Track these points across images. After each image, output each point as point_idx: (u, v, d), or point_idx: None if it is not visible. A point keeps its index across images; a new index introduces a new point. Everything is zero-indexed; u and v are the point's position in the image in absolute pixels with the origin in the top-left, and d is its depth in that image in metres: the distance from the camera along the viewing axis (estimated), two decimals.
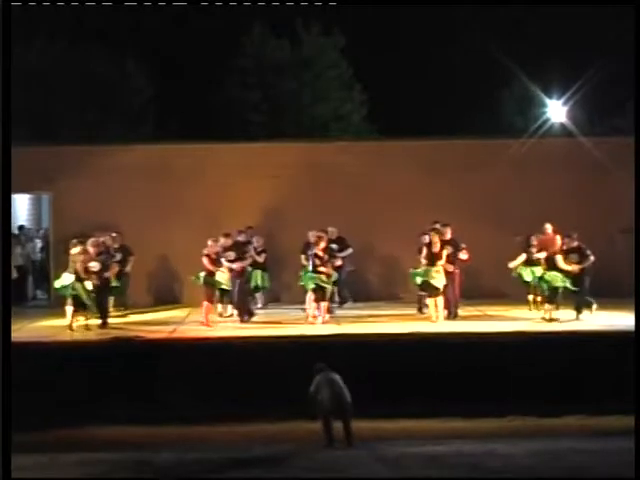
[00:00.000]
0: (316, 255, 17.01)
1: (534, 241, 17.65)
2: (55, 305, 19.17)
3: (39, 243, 22.64)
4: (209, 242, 17.19)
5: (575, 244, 16.87)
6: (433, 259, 16.97)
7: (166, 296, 20.36)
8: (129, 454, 12.31)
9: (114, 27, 33.06)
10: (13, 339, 14.22)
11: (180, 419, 13.79)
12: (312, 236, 17.76)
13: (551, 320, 16.77)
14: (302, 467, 11.62)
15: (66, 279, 16.69)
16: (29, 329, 17.02)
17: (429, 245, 17.12)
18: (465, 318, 17.46)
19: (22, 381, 13.74)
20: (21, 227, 22.33)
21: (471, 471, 11.31)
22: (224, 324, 17.21)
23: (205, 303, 17.05)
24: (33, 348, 15.04)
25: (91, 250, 16.83)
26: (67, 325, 16.60)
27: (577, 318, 16.79)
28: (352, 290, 19.52)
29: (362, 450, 12.34)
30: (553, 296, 16.92)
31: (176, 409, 14.11)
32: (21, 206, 23.10)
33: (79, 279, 16.54)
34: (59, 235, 20.08)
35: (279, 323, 17.27)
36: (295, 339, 15.33)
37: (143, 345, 15.24)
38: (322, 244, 17.14)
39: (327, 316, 17.20)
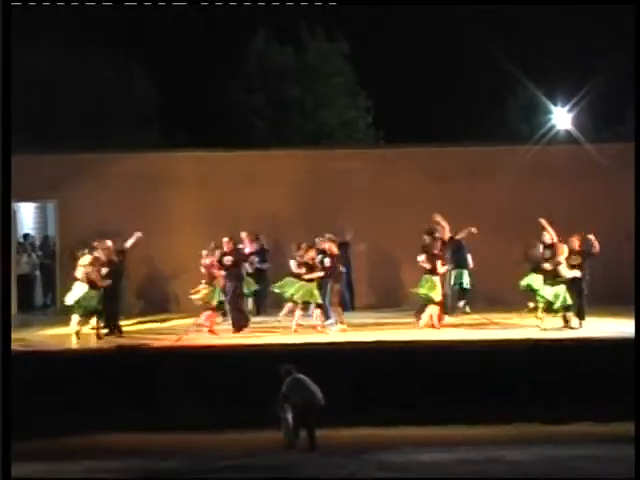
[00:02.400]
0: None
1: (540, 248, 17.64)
2: (62, 313, 19.22)
3: (45, 251, 22.65)
4: (217, 252, 17.14)
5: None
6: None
7: (171, 304, 20.38)
8: (134, 462, 12.33)
9: (117, 32, 33.07)
10: (19, 347, 14.26)
11: (185, 427, 13.80)
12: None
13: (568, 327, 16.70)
14: (305, 474, 11.62)
15: (79, 291, 16.67)
16: (35, 337, 17.04)
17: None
18: (470, 325, 17.45)
19: (28, 389, 13.79)
20: (26, 235, 22.35)
21: (475, 478, 11.30)
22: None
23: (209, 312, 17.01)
24: (39, 356, 15.07)
25: (103, 258, 16.83)
26: (75, 332, 16.53)
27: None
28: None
29: (365, 457, 12.33)
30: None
31: (181, 417, 14.13)
32: (26, 215, 23.13)
33: (93, 287, 16.54)
34: (65, 243, 20.13)
35: (286, 330, 17.28)
36: (300, 347, 15.32)
37: (148, 353, 15.26)
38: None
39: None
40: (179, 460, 12.45)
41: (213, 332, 16.68)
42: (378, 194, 20.66)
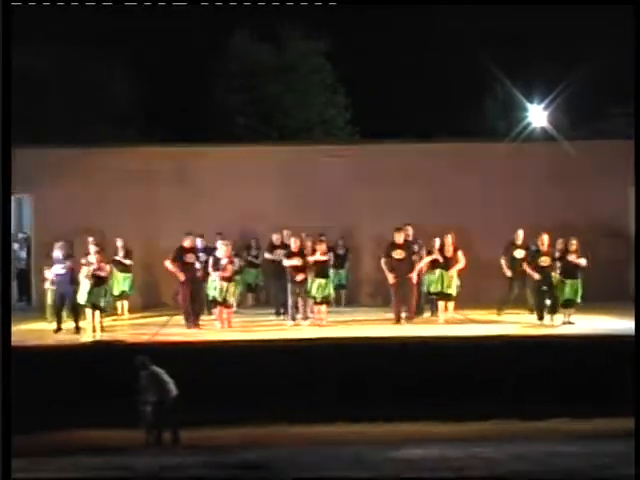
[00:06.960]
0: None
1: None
2: (37, 309, 19.10)
3: (22, 246, 22.46)
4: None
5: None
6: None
7: (148, 299, 20.30)
8: (112, 458, 12.24)
9: (98, 30, 32.91)
10: None
11: None
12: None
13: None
14: (286, 470, 11.58)
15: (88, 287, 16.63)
16: (12, 333, 16.89)
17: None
18: (448, 322, 17.47)
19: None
20: None
21: (454, 475, 11.29)
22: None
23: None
24: (16, 352, 14.92)
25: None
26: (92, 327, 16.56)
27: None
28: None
29: (344, 453, 12.31)
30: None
31: None
32: None
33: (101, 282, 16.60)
34: (41, 238, 19.97)
35: (265, 326, 17.27)
36: (279, 343, 15.30)
37: (125, 348, 15.16)
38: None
39: None
40: (158, 456, 12.39)
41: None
42: (355, 190, 20.67)
